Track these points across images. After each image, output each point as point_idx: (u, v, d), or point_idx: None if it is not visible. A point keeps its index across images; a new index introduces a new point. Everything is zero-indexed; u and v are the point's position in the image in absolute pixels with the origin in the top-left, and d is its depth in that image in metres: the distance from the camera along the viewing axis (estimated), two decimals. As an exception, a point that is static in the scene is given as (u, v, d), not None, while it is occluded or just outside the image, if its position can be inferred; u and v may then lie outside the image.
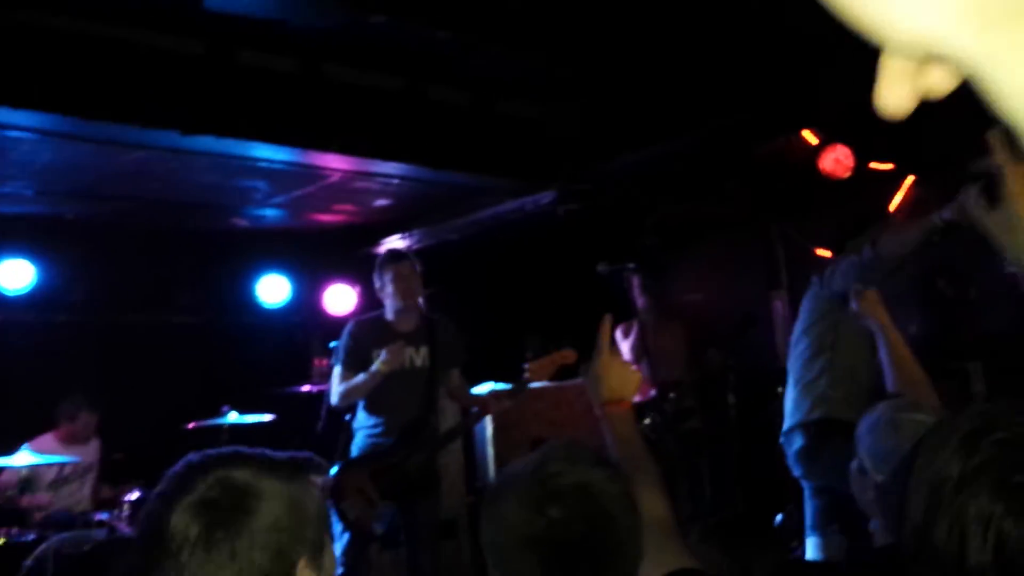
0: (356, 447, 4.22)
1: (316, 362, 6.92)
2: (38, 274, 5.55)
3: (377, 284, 4.32)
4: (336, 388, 4.27)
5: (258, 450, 1.32)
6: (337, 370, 4.32)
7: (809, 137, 4.98)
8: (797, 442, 3.76)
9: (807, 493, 3.88)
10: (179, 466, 1.28)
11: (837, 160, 4.94)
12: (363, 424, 4.26)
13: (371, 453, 4.17)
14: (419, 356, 4.26)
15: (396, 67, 4.25)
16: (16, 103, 3.47)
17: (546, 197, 5.32)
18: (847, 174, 4.95)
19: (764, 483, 5.27)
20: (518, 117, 4.83)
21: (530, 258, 6.55)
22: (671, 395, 5.21)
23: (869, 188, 5.00)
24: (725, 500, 5.32)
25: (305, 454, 1.25)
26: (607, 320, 2.47)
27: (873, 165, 5.09)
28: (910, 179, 5.13)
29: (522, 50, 4.17)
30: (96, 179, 4.67)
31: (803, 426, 3.74)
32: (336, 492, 4.02)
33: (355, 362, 4.22)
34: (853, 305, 2.91)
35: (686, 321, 5.80)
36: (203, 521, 1.20)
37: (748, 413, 5.32)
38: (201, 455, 1.29)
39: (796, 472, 3.82)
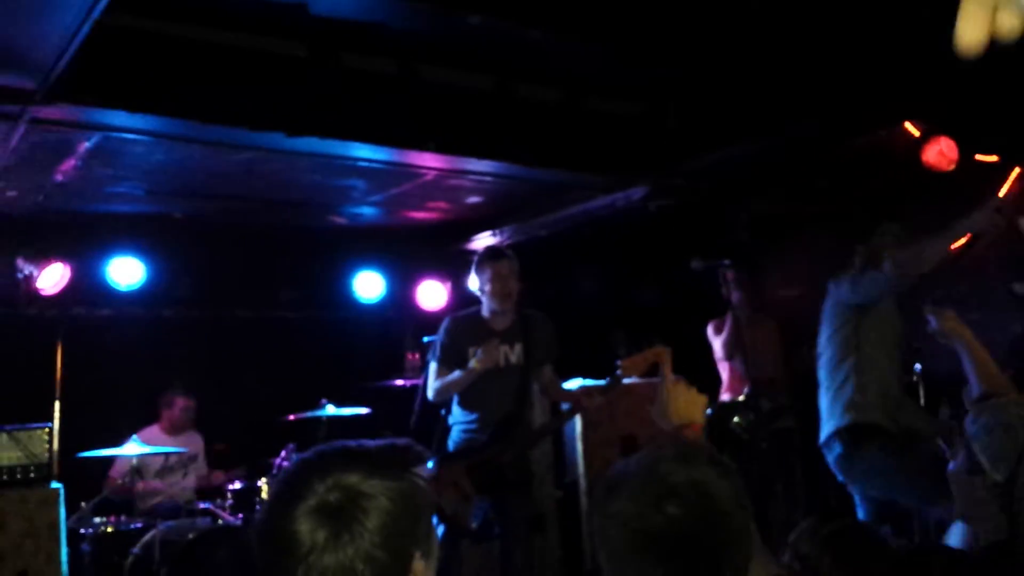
0: (451, 442, 4.31)
1: (409, 356, 7.06)
2: (147, 271, 5.82)
3: (474, 281, 4.39)
4: (432, 384, 4.37)
5: (363, 446, 1.38)
6: (433, 366, 4.40)
7: (912, 129, 4.86)
8: (836, 449, 3.78)
9: (856, 499, 3.90)
10: (295, 468, 1.36)
11: (941, 152, 4.80)
12: (458, 419, 4.33)
13: (466, 448, 4.24)
14: (513, 353, 4.32)
15: (489, 66, 4.30)
16: (132, 107, 3.65)
17: (637, 193, 5.31)
18: (951, 166, 4.81)
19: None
20: (610, 113, 4.84)
21: (620, 254, 6.55)
22: (765, 393, 5.15)
23: (973, 180, 4.85)
24: (819, 501, 5.24)
25: (404, 441, 1.31)
26: (666, 351, 2.55)
27: (978, 157, 4.94)
28: (1016, 171, 4.97)
29: (614, 47, 4.18)
30: (204, 179, 4.87)
31: (838, 433, 3.77)
32: (433, 487, 4.13)
33: (451, 358, 4.30)
34: (932, 323, 2.91)
35: (780, 318, 5.72)
36: (327, 525, 1.26)
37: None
38: (315, 455, 1.36)
39: (840, 479, 3.83)
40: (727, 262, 4.60)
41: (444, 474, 4.13)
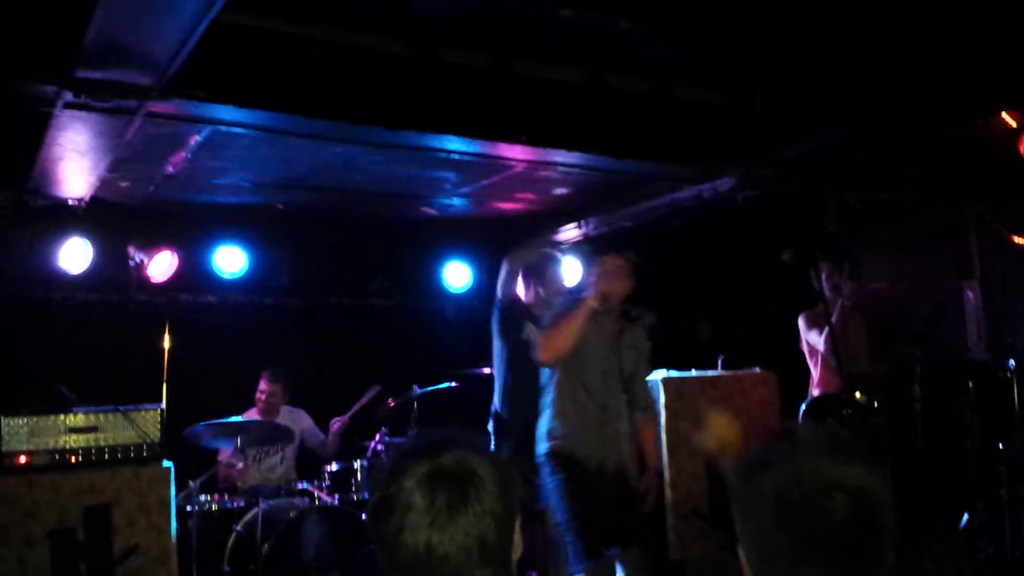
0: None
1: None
2: (250, 259, 6.07)
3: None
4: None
5: (459, 431, 1.50)
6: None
7: (1009, 119, 4.74)
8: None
9: None
10: (408, 443, 1.51)
11: (1038, 144, 4.68)
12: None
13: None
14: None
15: (579, 58, 4.36)
16: (240, 102, 3.80)
17: (725, 184, 5.29)
18: (1049, 159, 4.68)
19: (950, 481, 5.09)
20: (698, 103, 4.84)
21: (707, 245, 6.54)
22: (859, 388, 5.09)
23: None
24: (911, 500, 5.16)
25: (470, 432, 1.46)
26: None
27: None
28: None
29: (702, 36, 4.19)
30: (306, 171, 5.05)
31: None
32: None
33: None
34: None
35: (870, 311, 5.65)
36: (445, 491, 1.37)
37: (934, 408, 5.14)
38: (416, 438, 1.49)
39: None
40: (818, 254, 4.57)
41: None
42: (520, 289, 4.98)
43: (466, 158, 4.82)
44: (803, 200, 5.62)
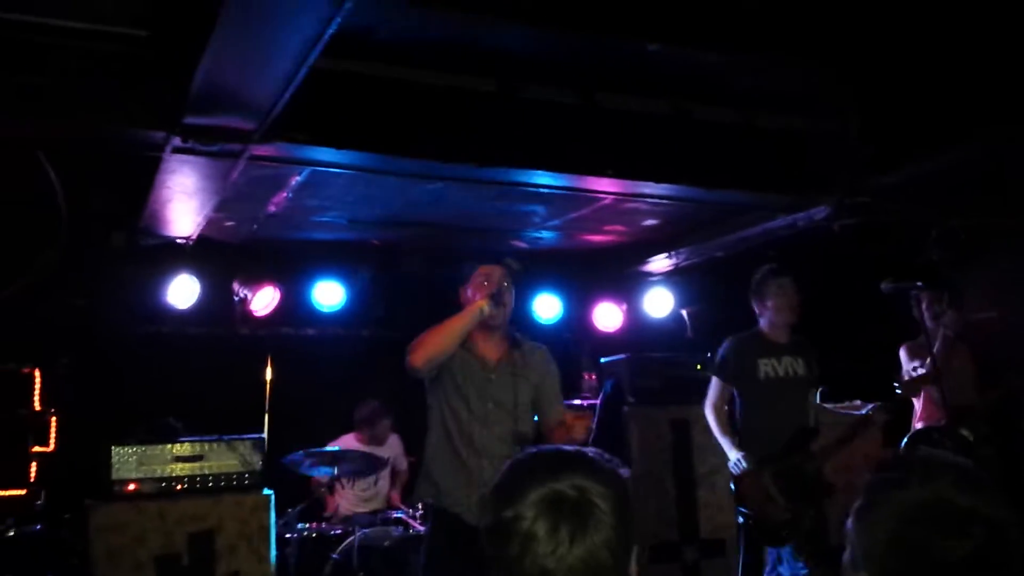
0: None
1: (586, 376, 7.17)
2: (347, 294, 6.25)
3: (756, 299, 4.61)
4: (709, 397, 4.61)
5: (575, 449, 1.46)
6: (714, 380, 4.63)
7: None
8: None
9: None
10: (516, 467, 1.44)
11: None
12: (752, 428, 4.47)
13: (765, 456, 4.35)
14: (799, 365, 4.50)
15: (664, 90, 4.37)
16: (338, 144, 3.96)
17: (820, 212, 5.20)
18: None
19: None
20: (789, 132, 4.79)
21: (801, 275, 6.40)
22: (965, 421, 4.90)
23: None
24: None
25: (593, 451, 1.40)
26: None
27: None
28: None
29: (792, 64, 4.16)
30: (399, 208, 5.19)
31: None
32: (740, 495, 4.34)
33: (731, 374, 4.53)
34: None
35: (977, 341, 5.43)
36: (565, 519, 1.34)
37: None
38: (532, 457, 1.45)
39: None
40: (919, 283, 4.44)
41: (749, 478, 4.29)
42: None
43: (554, 192, 4.87)
44: (903, 228, 5.47)
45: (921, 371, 5.13)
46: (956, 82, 4.13)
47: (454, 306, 7.24)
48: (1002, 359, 5.35)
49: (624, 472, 1.47)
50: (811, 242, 5.57)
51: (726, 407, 4.58)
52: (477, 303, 3.54)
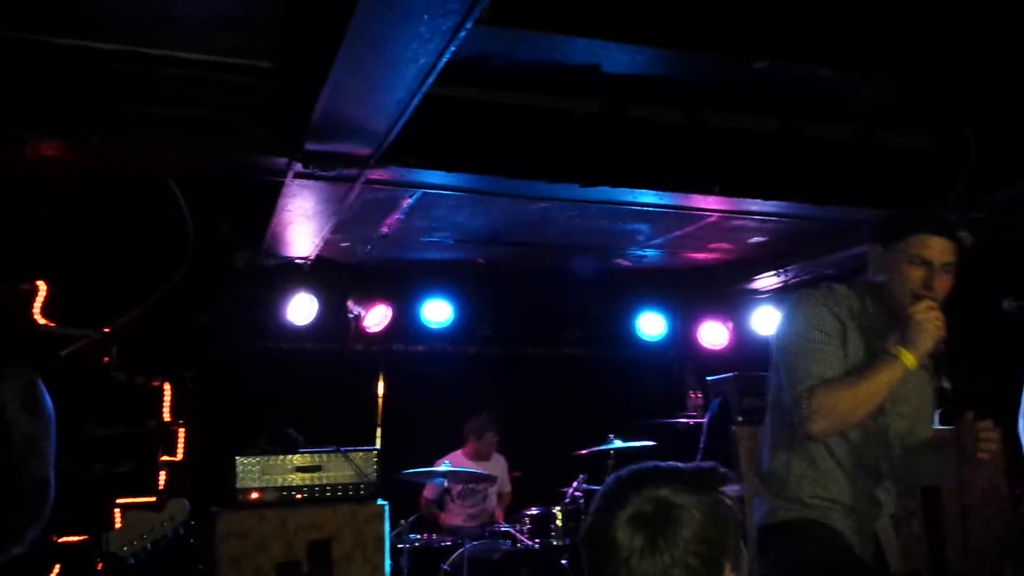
0: None
1: (692, 395, 7.13)
2: (455, 311, 6.41)
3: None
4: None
5: (672, 464, 1.48)
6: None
7: None
8: None
9: None
10: (611, 483, 1.48)
11: None
12: None
13: None
14: None
15: (773, 107, 4.34)
16: (448, 167, 4.09)
17: (933, 229, 5.05)
18: None
19: None
20: (904, 147, 4.68)
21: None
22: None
23: None
24: None
25: (709, 464, 1.41)
26: None
27: None
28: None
29: (907, 79, 4.07)
30: (505, 227, 5.30)
31: None
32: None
33: None
34: None
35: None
36: (644, 533, 1.38)
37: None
38: (628, 472, 1.48)
39: None
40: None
41: None
42: None
43: (658, 210, 4.89)
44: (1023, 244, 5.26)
45: None
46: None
47: (567, 319, 7.35)
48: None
49: (734, 488, 1.48)
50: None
51: None
52: (902, 353, 2.50)
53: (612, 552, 1.40)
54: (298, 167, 3.86)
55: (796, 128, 4.44)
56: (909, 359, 2.49)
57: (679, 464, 1.49)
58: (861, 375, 2.53)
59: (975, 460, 2.44)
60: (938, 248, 2.56)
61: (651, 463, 1.51)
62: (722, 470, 1.49)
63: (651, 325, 6.93)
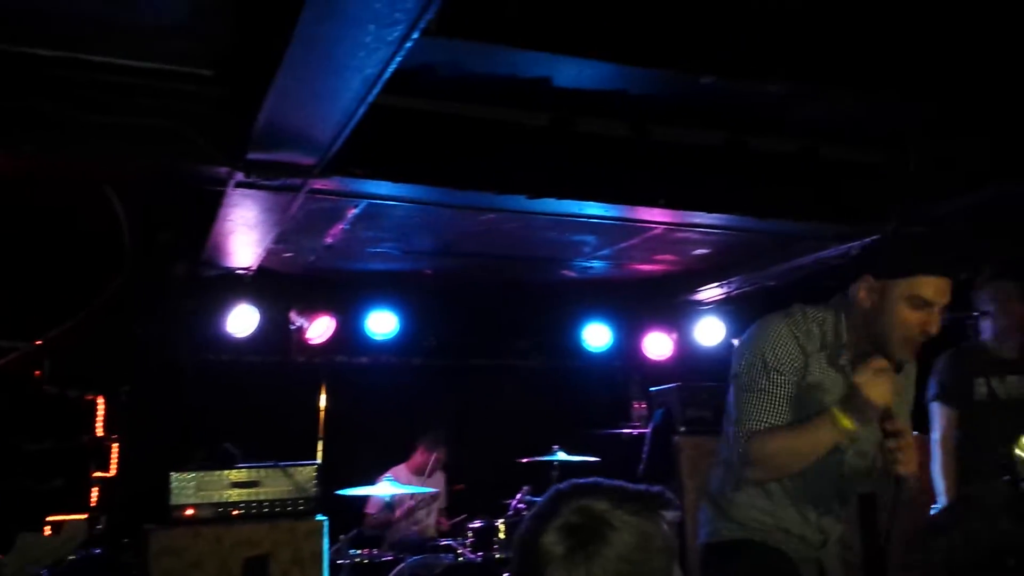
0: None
1: (636, 405, 7.17)
2: (400, 322, 6.34)
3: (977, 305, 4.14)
4: (935, 429, 4.05)
5: (617, 482, 1.47)
6: (935, 407, 4.14)
7: None
8: None
9: None
10: (550, 493, 1.48)
11: None
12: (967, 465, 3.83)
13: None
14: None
15: (719, 122, 4.39)
16: (395, 178, 4.04)
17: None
18: None
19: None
20: (845, 161, 4.77)
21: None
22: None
23: None
24: None
25: (658, 488, 1.39)
26: None
27: None
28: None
29: (849, 95, 4.15)
30: (453, 239, 5.27)
31: None
32: None
33: (955, 395, 4.06)
34: None
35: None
36: (567, 543, 1.37)
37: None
38: (568, 484, 1.47)
39: None
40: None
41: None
42: None
43: (605, 222, 4.90)
44: (958, 257, 5.38)
45: None
46: (1017, 111, 4.08)
47: (514, 330, 7.33)
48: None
49: (675, 514, 1.46)
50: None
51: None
52: (839, 419, 2.42)
53: (536, 558, 1.39)
54: (240, 176, 3.78)
55: (741, 142, 4.50)
56: (846, 424, 2.39)
57: (625, 484, 1.47)
58: (802, 431, 2.47)
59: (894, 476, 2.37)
60: (939, 288, 2.44)
61: (596, 478, 1.49)
62: (667, 496, 1.48)
63: (597, 336, 6.95)
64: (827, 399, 2.53)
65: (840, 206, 4.86)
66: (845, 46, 3.69)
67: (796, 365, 2.56)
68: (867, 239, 5.14)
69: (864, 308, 2.52)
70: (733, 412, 2.65)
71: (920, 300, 2.42)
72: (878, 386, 2.36)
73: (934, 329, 2.47)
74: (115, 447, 5.56)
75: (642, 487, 1.48)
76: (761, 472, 2.55)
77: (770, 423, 2.51)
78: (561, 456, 5.70)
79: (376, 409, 6.34)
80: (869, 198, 4.85)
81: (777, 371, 2.55)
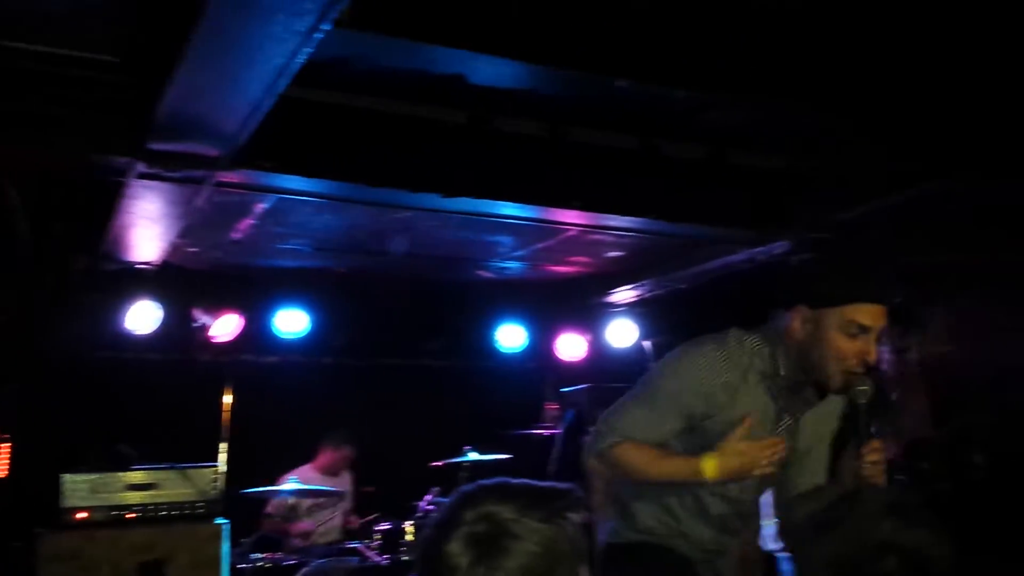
0: None
1: (547, 406, 7.20)
2: (311, 321, 6.21)
3: None
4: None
5: (524, 483, 1.44)
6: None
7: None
8: None
9: None
10: (455, 497, 1.43)
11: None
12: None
13: None
14: None
15: (634, 126, 4.43)
16: (306, 172, 3.95)
17: (779, 247, 5.29)
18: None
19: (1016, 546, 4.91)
20: (755, 168, 4.87)
21: (762, 307, 6.48)
22: (920, 455, 4.97)
23: None
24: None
25: (566, 486, 1.37)
26: None
27: None
28: None
29: (759, 102, 4.23)
30: (366, 236, 5.18)
31: None
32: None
33: None
34: None
35: (935, 375, 5.53)
36: (471, 553, 1.33)
37: (1000, 475, 5.00)
38: (475, 486, 1.44)
39: None
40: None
41: None
42: None
43: (520, 223, 4.90)
44: (861, 263, 5.55)
45: None
46: (921, 122, 4.22)
47: (428, 330, 7.27)
48: (957, 394, 5.45)
49: (583, 514, 1.44)
50: (772, 275, 5.64)
51: None
52: (704, 465, 2.41)
53: (440, 567, 1.35)
54: (141, 167, 3.64)
55: (654, 146, 4.54)
56: (710, 472, 2.38)
57: (533, 483, 1.44)
58: (663, 459, 2.48)
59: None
60: (875, 314, 2.38)
61: (503, 479, 1.45)
62: (576, 495, 1.44)
63: (511, 337, 6.94)
64: (752, 436, 2.47)
65: (748, 212, 4.97)
66: (752, 53, 3.76)
67: (712, 400, 2.49)
68: (773, 244, 5.27)
69: (798, 339, 2.45)
70: (617, 406, 2.64)
71: (857, 327, 2.36)
72: (748, 455, 2.36)
73: (872, 357, 2.40)
74: (6, 447, 5.30)
75: (551, 485, 1.45)
76: (604, 469, 2.58)
77: (645, 439, 2.52)
78: (472, 457, 5.67)
79: (285, 409, 6.20)
80: (776, 204, 4.96)
81: (678, 401, 2.52)
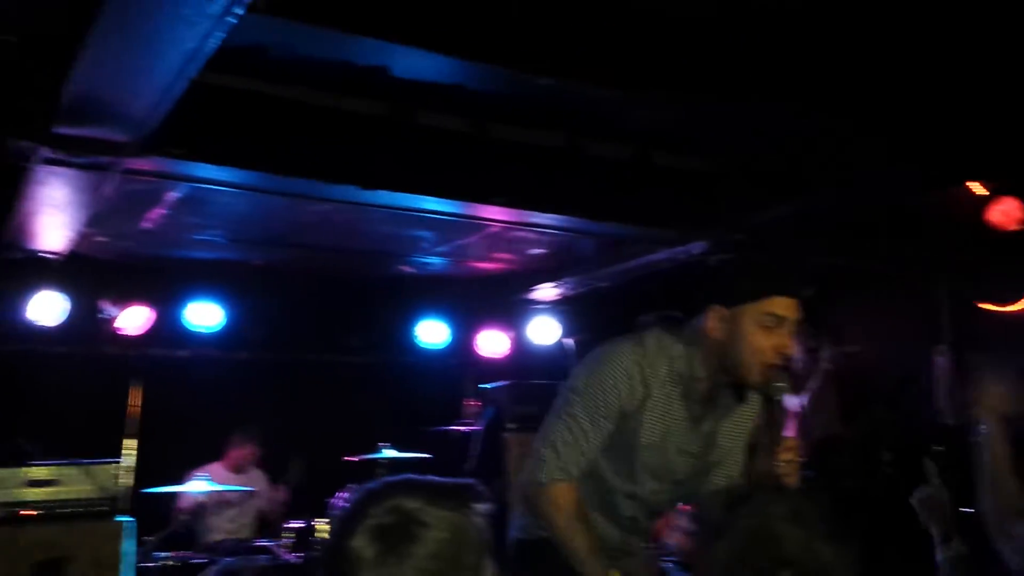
0: None
1: (467, 403, 7.17)
2: (226, 315, 6.06)
3: None
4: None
5: (428, 478, 1.45)
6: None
7: (977, 188, 4.84)
8: None
9: None
10: (360, 492, 1.43)
11: (1005, 212, 4.77)
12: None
13: None
14: None
15: (558, 124, 4.43)
16: (219, 160, 3.85)
17: (697, 247, 5.37)
18: (1016, 226, 4.77)
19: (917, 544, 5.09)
20: (677, 169, 4.92)
21: (680, 306, 6.57)
22: (828, 452, 5.11)
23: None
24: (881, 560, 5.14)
25: (468, 481, 1.41)
26: None
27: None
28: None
29: (680, 104, 4.27)
30: (283, 229, 5.09)
31: None
32: None
33: None
34: None
35: (842, 374, 5.69)
36: (377, 545, 1.33)
37: (904, 471, 5.17)
38: (380, 483, 1.44)
39: None
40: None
41: None
42: None
43: (443, 218, 4.86)
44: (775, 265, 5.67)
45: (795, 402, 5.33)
46: (832, 130, 4.32)
47: (347, 325, 7.15)
48: (865, 392, 5.61)
49: (487, 507, 1.45)
50: (689, 275, 5.72)
51: None
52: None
53: (346, 562, 1.34)
54: (45, 152, 3.50)
55: (579, 145, 4.56)
56: None
57: (436, 478, 1.45)
58: (580, 550, 2.45)
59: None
60: (789, 306, 2.41)
61: (408, 475, 1.46)
62: (479, 488, 1.46)
63: (433, 333, 6.89)
64: (670, 440, 2.52)
65: (669, 212, 5.02)
66: (675, 54, 3.79)
67: (631, 403, 2.50)
68: (692, 244, 5.35)
69: (716, 339, 2.46)
70: (546, 432, 2.62)
71: (773, 318, 2.39)
72: None
73: (788, 350, 2.43)
74: None
75: (456, 480, 1.46)
76: (529, 506, 2.59)
77: (577, 466, 2.52)
78: (389, 453, 5.61)
79: (197, 405, 6.04)
80: (696, 205, 5.03)
81: (604, 416, 2.51)
